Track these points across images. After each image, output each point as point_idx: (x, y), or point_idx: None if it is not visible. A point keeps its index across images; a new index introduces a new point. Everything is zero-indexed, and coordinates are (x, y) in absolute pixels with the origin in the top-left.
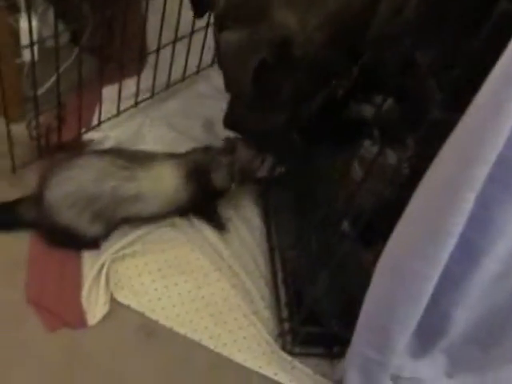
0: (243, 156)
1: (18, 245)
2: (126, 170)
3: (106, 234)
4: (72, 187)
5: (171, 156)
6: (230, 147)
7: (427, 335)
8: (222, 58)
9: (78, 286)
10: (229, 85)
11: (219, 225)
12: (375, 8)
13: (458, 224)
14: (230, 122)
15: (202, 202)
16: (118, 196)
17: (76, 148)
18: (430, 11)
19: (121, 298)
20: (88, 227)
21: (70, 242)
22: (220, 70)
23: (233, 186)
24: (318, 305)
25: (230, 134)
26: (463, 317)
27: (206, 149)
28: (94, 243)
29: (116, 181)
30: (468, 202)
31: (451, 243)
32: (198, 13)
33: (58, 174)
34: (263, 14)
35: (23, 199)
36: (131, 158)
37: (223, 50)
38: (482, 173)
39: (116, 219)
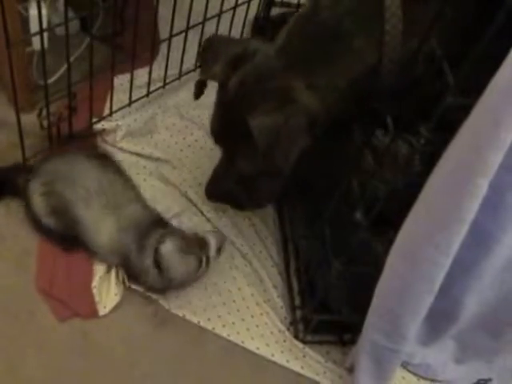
0: (177, 268)
1: (29, 234)
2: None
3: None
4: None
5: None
6: (159, 259)
7: (438, 322)
8: (261, 140)
9: (89, 276)
10: (235, 156)
11: None
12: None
13: (470, 211)
14: (216, 191)
15: None
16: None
17: (87, 137)
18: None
19: (134, 285)
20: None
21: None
22: (219, 145)
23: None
24: (329, 293)
25: None
26: (474, 303)
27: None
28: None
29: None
30: (481, 189)
31: (464, 230)
32: (197, 95)
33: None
34: (288, 97)
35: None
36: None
37: (258, 133)
38: (495, 158)
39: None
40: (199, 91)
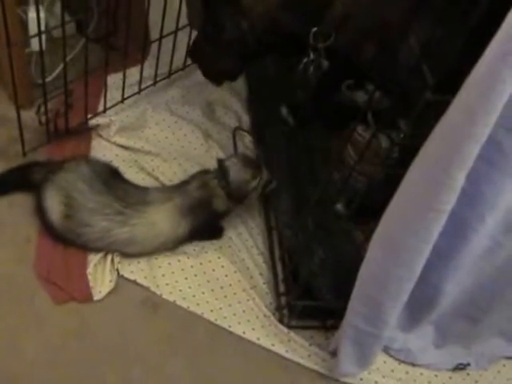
0: (237, 177)
1: (29, 222)
2: (120, 214)
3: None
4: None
5: (166, 194)
6: (223, 169)
7: (418, 308)
8: None
9: (84, 264)
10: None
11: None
12: None
13: (448, 202)
14: (192, 53)
15: (205, 230)
16: (109, 236)
17: (82, 132)
18: None
19: (127, 273)
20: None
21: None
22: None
23: (231, 207)
24: (313, 280)
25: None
26: (453, 290)
27: (202, 176)
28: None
29: (109, 222)
30: (459, 180)
31: (442, 220)
32: None
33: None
34: None
35: (35, 164)
36: (125, 198)
37: None
38: (472, 152)
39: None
40: None
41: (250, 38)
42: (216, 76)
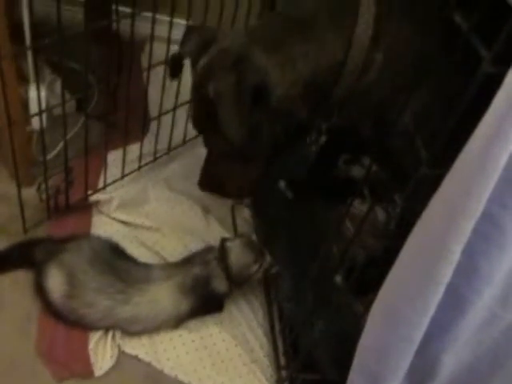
0: (238, 260)
1: (30, 299)
2: (122, 293)
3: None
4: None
5: (168, 271)
6: (224, 251)
7: (418, 379)
8: (219, 105)
9: (86, 339)
10: (212, 137)
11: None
12: (342, 69)
13: (445, 275)
14: (206, 181)
15: (206, 307)
16: (112, 315)
17: (83, 208)
18: (394, 76)
19: (128, 349)
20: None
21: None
22: (195, 128)
23: (232, 289)
24: (313, 353)
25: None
26: (451, 362)
27: (204, 255)
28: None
29: (111, 301)
30: (455, 254)
31: (439, 292)
32: (174, 74)
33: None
34: (245, 59)
35: (37, 241)
36: (127, 277)
37: (215, 98)
38: (467, 226)
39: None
40: (174, 68)
41: (282, 137)
42: (241, 189)
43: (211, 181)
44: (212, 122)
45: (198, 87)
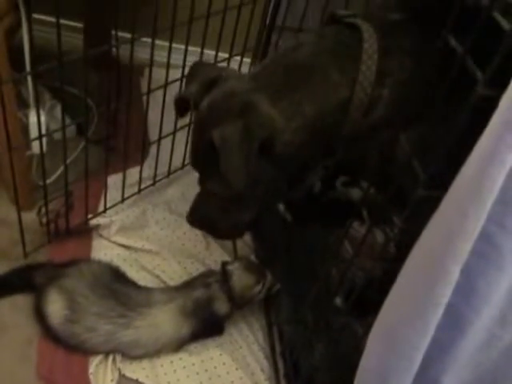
0: (240, 282)
1: (30, 323)
2: (123, 317)
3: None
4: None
5: (168, 295)
6: (225, 274)
7: None
8: (224, 151)
9: (86, 363)
10: (210, 179)
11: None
12: (348, 106)
13: (444, 295)
14: (196, 218)
15: (207, 330)
16: (113, 339)
17: (83, 232)
18: (401, 110)
19: (128, 372)
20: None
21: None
22: (194, 168)
23: (232, 311)
24: (314, 375)
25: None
26: (452, 383)
27: (205, 278)
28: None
29: (112, 326)
30: (453, 275)
31: (439, 313)
32: (181, 114)
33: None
34: (251, 108)
35: (37, 266)
36: (128, 300)
37: (220, 144)
38: (465, 247)
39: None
40: (180, 109)
41: (284, 184)
42: (232, 231)
43: (200, 218)
44: (212, 165)
45: (200, 129)
